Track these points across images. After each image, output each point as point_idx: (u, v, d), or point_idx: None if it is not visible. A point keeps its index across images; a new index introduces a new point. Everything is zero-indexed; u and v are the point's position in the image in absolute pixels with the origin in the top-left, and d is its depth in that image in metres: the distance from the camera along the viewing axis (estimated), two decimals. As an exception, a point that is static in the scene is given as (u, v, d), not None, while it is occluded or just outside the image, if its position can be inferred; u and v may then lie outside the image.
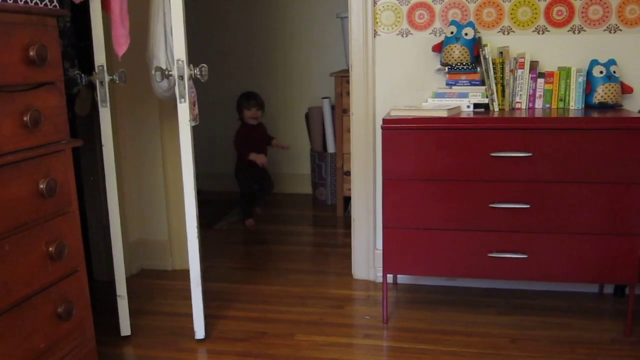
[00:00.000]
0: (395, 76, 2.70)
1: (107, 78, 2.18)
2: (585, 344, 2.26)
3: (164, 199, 3.03)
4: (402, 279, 2.86)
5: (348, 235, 2.99)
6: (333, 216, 3.97)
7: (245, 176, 3.91)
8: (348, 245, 3.00)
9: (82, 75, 2.20)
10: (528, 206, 2.22)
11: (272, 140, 4.02)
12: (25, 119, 1.62)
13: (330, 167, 4.14)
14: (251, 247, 3.48)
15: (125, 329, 2.38)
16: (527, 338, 2.31)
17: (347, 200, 3.66)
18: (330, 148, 4.15)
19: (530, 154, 2.18)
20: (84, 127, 2.71)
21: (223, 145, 4.66)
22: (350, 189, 2.94)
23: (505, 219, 2.25)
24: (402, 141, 2.27)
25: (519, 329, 2.38)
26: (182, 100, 2.13)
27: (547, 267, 2.27)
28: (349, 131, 2.94)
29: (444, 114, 2.28)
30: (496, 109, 2.47)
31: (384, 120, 2.28)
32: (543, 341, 2.29)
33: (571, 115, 2.33)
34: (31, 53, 1.62)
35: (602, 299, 2.67)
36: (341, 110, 3.77)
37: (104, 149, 2.23)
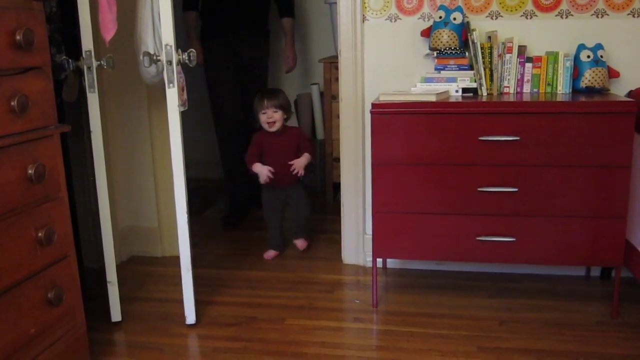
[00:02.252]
0: (384, 61, 2.71)
1: (94, 63, 2.17)
2: (572, 325, 2.29)
3: (153, 185, 3.02)
4: (391, 263, 2.88)
5: (337, 221, 3.00)
6: (323, 202, 3.97)
7: (267, 196, 3.08)
8: (337, 231, 3.01)
9: (70, 60, 2.18)
10: (516, 190, 2.24)
11: (300, 159, 2.97)
12: (12, 103, 1.61)
13: (319, 154, 4.14)
14: (241, 234, 3.48)
15: (115, 314, 2.38)
16: (515, 320, 2.34)
17: (337, 187, 3.67)
18: (320, 134, 4.15)
19: (518, 138, 2.20)
20: (71, 114, 2.69)
21: (212, 132, 4.66)
22: (339, 175, 2.95)
23: (494, 203, 2.27)
24: (391, 126, 2.28)
25: (507, 311, 2.41)
26: (171, 85, 2.13)
27: (535, 250, 2.30)
28: (338, 117, 2.95)
29: (433, 99, 2.29)
30: (484, 94, 2.48)
31: (373, 105, 2.29)
32: (531, 323, 2.31)
33: (559, 99, 2.34)
34: (18, 37, 1.61)
35: (589, 282, 2.71)
36: (330, 97, 3.77)
37: (92, 135, 2.22)
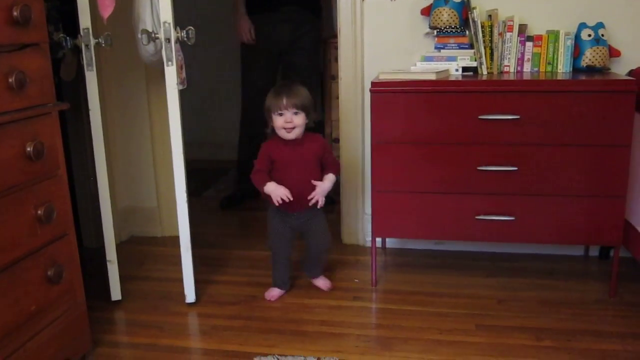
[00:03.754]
0: (383, 40, 2.69)
1: (92, 41, 2.16)
2: (571, 304, 2.30)
3: (152, 165, 3.02)
4: (390, 243, 2.89)
5: (337, 201, 3.00)
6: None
7: (277, 222, 2.38)
8: (337, 211, 3.01)
9: (67, 38, 2.17)
10: (515, 169, 2.24)
11: (323, 183, 2.30)
12: (10, 80, 1.60)
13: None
14: (240, 214, 3.48)
15: (115, 293, 2.39)
16: (514, 299, 2.35)
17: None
18: (319, 115, 4.13)
19: (518, 117, 2.19)
20: (70, 93, 2.68)
21: (211, 114, 4.65)
22: (339, 156, 2.94)
23: (493, 182, 2.27)
24: (391, 105, 2.27)
25: (505, 290, 2.42)
26: (169, 63, 2.11)
27: (534, 229, 2.30)
28: (337, 98, 2.93)
29: (433, 77, 2.27)
30: (484, 73, 2.47)
31: (373, 84, 2.28)
32: (529, 302, 2.32)
33: (559, 78, 2.33)
34: (15, 13, 1.60)
35: (588, 262, 2.72)
36: (329, 77, 3.75)
37: (90, 113, 2.21)
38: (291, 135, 2.23)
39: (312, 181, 2.27)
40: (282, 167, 2.26)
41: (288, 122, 2.20)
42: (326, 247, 2.46)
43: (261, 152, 2.29)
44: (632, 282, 2.44)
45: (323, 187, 2.28)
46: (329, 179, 2.30)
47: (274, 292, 2.41)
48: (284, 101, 2.20)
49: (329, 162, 2.33)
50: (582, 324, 2.15)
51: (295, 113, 2.20)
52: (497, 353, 1.98)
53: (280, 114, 2.21)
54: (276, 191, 2.21)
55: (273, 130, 2.28)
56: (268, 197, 2.26)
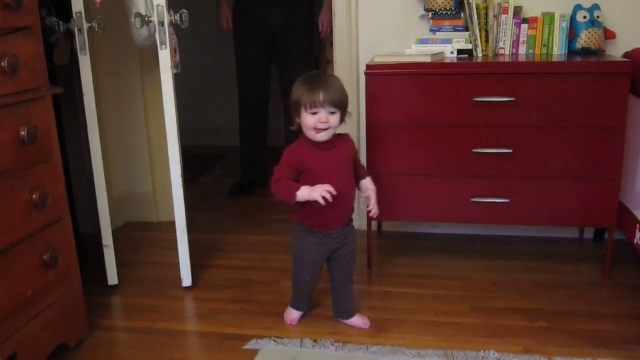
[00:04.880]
0: (378, 23, 2.68)
1: (85, 25, 2.15)
2: (565, 286, 2.32)
3: (147, 150, 3.02)
4: (386, 226, 2.90)
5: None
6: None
7: (311, 245, 1.99)
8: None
9: (60, 22, 2.16)
10: (510, 151, 2.24)
11: (364, 184, 2.05)
12: (2, 64, 1.60)
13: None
14: (235, 199, 3.48)
15: (112, 278, 2.39)
16: (508, 281, 2.36)
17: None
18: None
19: (512, 99, 2.19)
20: (63, 78, 2.66)
21: (206, 99, 4.63)
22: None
23: (488, 164, 2.27)
24: (386, 88, 2.27)
25: (500, 272, 2.43)
26: (163, 46, 2.11)
27: (529, 211, 2.31)
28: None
29: (428, 60, 2.27)
30: (479, 55, 2.47)
31: (367, 67, 2.27)
32: (523, 284, 2.34)
33: (554, 60, 2.33)
34: (6, -4, 1.59)
35: (582, 244, 2.73)
36: (325, 61, 3.74)
37: (84, 97, 2.21)
38: (322, 137, 1.87)
39: (363, 188, 2.03)
40: (317, 176, 1.87)
41: (323, 122, 1.84)
42: (353, 271, 2.09)
43: (286, 159, 1.90)
44: (626, 264, 2.45)
45: (374, 194, 2.01)
46: (370, 182, 2.05)
47: (294, 315, 2.11)
48: (321, 97, 1.82)
49: (359, 163, 2.05)
50: (576, 306, 2.17)
51: (332, 112, 1.85)
52: (491, 334, 1.99)
53: (314, 113, 1.84)
54: (314, 191, 1.82)
55: (299, 129, 1.93)
56: (299, 212, 1.95)
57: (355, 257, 2.07)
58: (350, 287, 2.08)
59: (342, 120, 1.91)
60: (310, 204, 1.85)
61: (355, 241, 2.05)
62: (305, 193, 1.84)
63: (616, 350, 1.88)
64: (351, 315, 2.08)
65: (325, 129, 1.86)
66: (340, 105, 1.87)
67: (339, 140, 1.96)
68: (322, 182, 1.84)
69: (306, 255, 1.99)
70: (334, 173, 1.90)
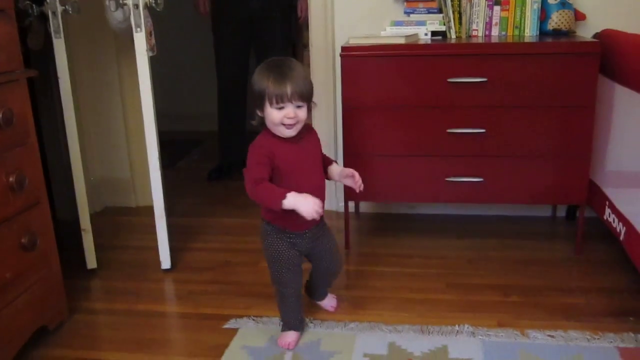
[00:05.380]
0: (354, 6, 2.70)
1: (59, 8, 2.14)
2: (538, 262, 2.37)
3: (125, 135, 3.02)
4: (364, 208, 2.93)
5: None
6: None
7: (284, 247, 1.84)
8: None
9: (33, 5, 2.14)
10: (483, 131, 2.28)
11: (336, 169, 1.92)
12: (-24, 46, 1.59)
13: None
14: (213, 184, 3.49)
15: (91, 262, 2.40)
16: (483, 259, 2.41)
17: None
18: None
19: (485, 80, 2.23)
20: (38, 63, 2.64)
21: (183, 85, 4.62)
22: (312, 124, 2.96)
23: (462, 144, 2.31)
24: (361, 69, 2.29)
25: (475, 250, 2.48)
26: (138, 29, 2.11)
27: (502, 190, 2.36)
28: (309, 66, 2.94)
29: (402, 41, 2.30)
30: (453, 37, 2.50)
31: (343, 49, 2.29)
32: (498, 261, 2.39)
33: (526, 41, 2.37)
34: (-22, -22, 1.58)
35: (555, 223, 2.79)
36: (302, 46, 3.75)
37: (60, 81, 2.20)
38: (291, 133, 1.73)
39: (337, 172, 1.90)
40: (288, 173, 1.73)
41: (290, 117, 1.69)
42: (340, 269, 2.02)
43: (258, 156, 1.72)
44: (597, 241, 2.51)
45: (348, 172, 1.88)
46: (338, 166, 1.93)
47: (289, 338, 1.87)
48: (288, 90, 1.66)
49: (325, 156, 1.92)
50: (549, 281, 2.22)
51: (300, 106, 1.70)
52: (466, 309, 2.04)
53: (281, 108, 1.68)
54: (307, 204, 1.65)
55: (261, 123, 1.77)
56: (269, 213, 1.82)
57: (338, 252, 1.97)
58: (333, 280, 2.03)
59: (308, 112, 1.76)
60: (273, 201, 1.68)
61: (333, 238, 1.95)
62: (292, 202, 1.65)
63: (586, 323, 1.94)
64: (323, 298, 2.07)
65: (294, 124, 1.71)
66: (308, 97, 1.73)
67: (306, 132, 1.81)
68: (295, 180, 1.72)
69: (282, 257, 1.83)
70: (306, 169, 1.78)
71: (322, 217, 1.78)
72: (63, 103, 2.23)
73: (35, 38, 2.37)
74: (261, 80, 1.70)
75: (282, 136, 1.74)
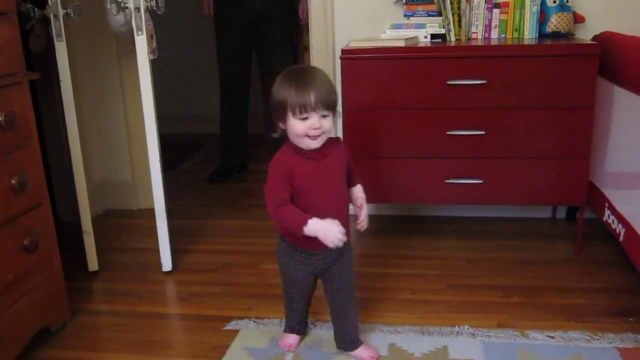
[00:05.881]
0: (354, 9, 2.71)
1: (61, 12, 2.15)
2: (538, 263, 2.38)
3: (126, 137, 3.03)
4: (364, 210, 2.93)
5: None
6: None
7: (297, 265, 1.74)
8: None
9: (35, 9, 2.16)
10: (483, 132, 2.29)
11: (355, 193, 1.79)
12: (-21, 49, 1.60)
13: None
14: (215, 186, 3.50)
15: (92, 264, 2.41)
16: (484, 259, 2.42)
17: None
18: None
19: (485, 82, 2.23)
20: (40, 66, 2.66)
21: (185, 87, 4.63)
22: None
23: (462, 146, 2.32)
24: (361, 72, 2.30)
25: (475, 251, 2.49)
26: (139, 32, 2.12)
27: (502, 191, 2.36)
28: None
29: (402, 44, 2.31)
30: (453, 39, 2.51)
31: (343, 51, 2.31)
32: (498, 262, 2.40)
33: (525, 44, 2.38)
34: (-19, -19, 1.60)
35: (555, 224, 2.80)
36: (302, 48, 3.76)
37: (61, 84, 2.22)
38: (316, 144, 1.61)
39: (353, 197, 1.77)
40: (306, 190, 1.62)
41: (316, 128, 1.58)
42: (353, 293, 1.80)
43: (278, 175, 1.61)
44: (597, 241, 2.52)
45: (365, 206, 1.77)
46: (361, 190, 1.79)
47: (291, 340, 1.86)
48: (312, 99, 1.55)
49: (354, 168, 1.76)
50: (549, 281, 2.23)
51: (325, 116, 1.58)
52: (467, 310, 2.05)
53: (305, 118, 1.57)
54: (330, 231, 1.56)
55: (283, 136, 1.66)
56: (284, 229, 1.71)
57: (351, 273, 1.78)
58: (352, 312, 1.79)
59: (333, 122, 1.63)
60: (295, 224, 1.59)
61: (351, 258, 1.78)
62: (313, 229, 1.56)
63: (586, 323, 1.94)
64: (355, 347, 1.80)
65: (319, 135, 1.60)
66: (333, 106, 1.60)
67: (332, 146, 1.67)
68: (313, 200, 1.61)
69: (291, 274, 1.75)
70: (326, 188, 1.65)
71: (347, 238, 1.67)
72: (65, 105, 2.24)
73: (37, 41, 2.39)
74: (282, 89, 1.58)
75: (307, 148, 1.62)
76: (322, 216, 1.59)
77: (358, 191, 1.78)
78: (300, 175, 1.61)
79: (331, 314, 1.82)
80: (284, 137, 1.66)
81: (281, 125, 1.64)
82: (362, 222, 1.77)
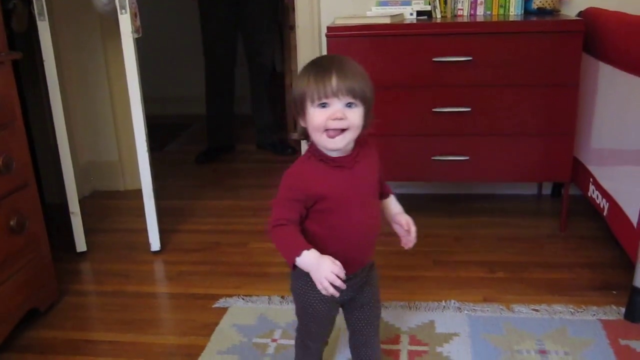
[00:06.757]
0: (339, -13, 2.70)
1: (43, -10, 2.13)
2: (524, 239, 2.41)
3: (112, 118, 3.01)
4: (351, 189, 2.94)
5: (299, 153, 3.04)
6: (284, 137, 3.99)
7: (321, 297, 1.32)
8: (299, 160, 3.05)
9: (17, -12, 2.13)
10: (469, 110, 2.30)
11: (391, 208, 1.49)
12: (-41, 28, 1.59)
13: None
14: (202, 167, 3.50)
15: (80, 245, 2.41)
16: (470, 237, 2.44)
17: (297, 119, 3.67)
18: (279, 67, 4.13)
19: (470, 59, 2.24)
20: (23, 46, 2.63)
21: (170, 68, 4.59)
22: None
23: (448, 123, 2.33)
24: (347, 50, 2.29)
25: (462, 229, 2.51)
26: (123, 11, 2.10)
27: (488, 168, 2.38)
28: (295, 48, 2.94)
29: (387, 21, 2.30)
30: (438, 16, 2.51)
31: (329, 29, 2.30)
32: (484, 239, 2.42)
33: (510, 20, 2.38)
34: (-40, -41, 1.57)
35: (541, 200, 2.83)
36: (288, 27, 3.74)
37: (45, 64, 2.19)
38: (338, 143, 1.26)
39: (391, 212, 1.47)
40: (333, 208, 1.29)
41: (337, 118, 1.23)
42: (379, 319, 1.51)
43: (287, 188, 1.30)
44: (582, 217, 2.55)
45: (413, 226, 1.44)
46: (398, 206, 1.49)
47: None
48: (334, 82, 1.22)
49: (382, 176, 1.43)
50: (534, 257, 2.26)
51: (350, 104, 1.25)
52: (453, 285, 2.07)
53: (324, 105, 1.24)
54: (321, 270, 1.21)
55: (304, 135, 1.33)
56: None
57: (379, 301, 1.48)
58: (376, 340, 1.51)
59: (366, 121, 1.29)
60: (320, 243, 1.27)
61: (377, 282, 1.48)
62: (306, 263, 1.23)
63: (571, 296, 1.97)
64: None
65: (342, 131, 1.25)
66: (363, 96, 1.25)
67: (364, 151, 1.34)
68: (339, 219, 1.29)
69: (312, 306, 1.39)
70: (358, 205, 1.32)
71: (369, 257, 1.42)
72: (49, 86, 2.23)
73: (19, 20, 2.36)
74: (302, 78, 1.27)
75: (327, 149, 1.28)
76: (356, 232, 1.32)
77: (394, 206, 1.48)
78: (324, 189, 1.28)
79: (351, 341, 1.52)
80: (306, 137, 1.33)
81: (301, 122, 1.31)
82: (411, 239, 1.45)
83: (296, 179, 1.30)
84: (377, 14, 2.44)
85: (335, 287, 1.20)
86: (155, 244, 2.38)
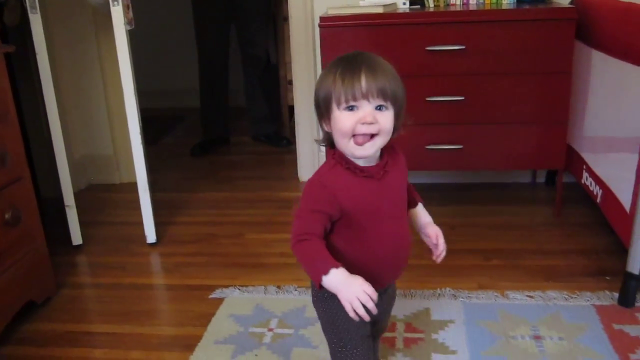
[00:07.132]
0: (332, -23, 2.69)
1: (34, -17, 2.12)
2: (518, 227, 2.42)
3: (106, 111, 3.01)
4: (347, 179, 2.95)
5: (293, 142, 3.04)
6: (279, 126, 3.99)
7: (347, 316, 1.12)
8: (294, 152, 3.06)
9: (8, -19, 2.13)
10: (462, 98, 2.30)
11: (419, 217, 1.41)
12: (-49, 21, 1.58)
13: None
14: (197, 159, 3.50)
15: (76, 238, 2.41)
16: (465, 225, 2.45)
17: (292, 110, 3.67)
18: (273, 58, 4.12)
19: (463, 47, 2.24)
20: (16, 40, 2.62)
21: (164, 61, 4.58)
22: (292, 98, 2.96)
23: (441, 112, 2.34)
24: (340, 40, 2.30)
25: (457, 217, 2.52)
26: (115, 3, 2.10)
27: (482, 157, 2.39)
28: (289, 40, 2.94)
29: (380, 11, 2.30)
30: (431, 6, 2.51)
31: (322, 19, 2.30)
32: (479, 227, 2.43)
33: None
34: (-50, -49, 1.57)
35: (535, 188, 2.84)
36: (282, 18, 3.74)
37: (37, 57, 2.19)
38: (367, 151, 1.17)
39: (421, 223, 1.39)
40: (364, 220, 1.20)
41: (367, 122, 1.13)
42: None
43: (312, 198, 1.19)
44: (576, 204, 2.56)
45: (442, 238, 1.37)
46: (427, 215, 1.42)
47: None
48: (363, 83, 1.13)
49: (411, 186, 1.38)
50: (529, 244, 2.27)
51: (380, 107, 1.15)
52: (448, 273, 2.08)
53: (351, 108, 1.14)
54: (352, 291, 1.10)
55: (329, 141, 1.24)
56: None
57: (390, 313, 1.46)
58: (377, 346, 1.47)
59: (397, 125, 1.20)
60: (346, 260, 1.17)
61: (394, 292, 1.43)
62: (333, 284, 1.12)
63: (565, 283, 1.99)
64: None
65: (372, 136, 1.15)
66: (394, 97, 1.16)
67: (392, 159, 1.25)
68: (369, 233, 1.20)
69: (352, 329, 1.25)
70: (388, 217, 1.23)
71: (400, 273, 1.36)
72: (42, 79, 2.22)
73: (11, 14, 2.35)
74: (327, 78, 1.17)
75: (355, 157, 1.18)
76: (381, 257, 1.23)
77: (423, 215, 1.40)
78: (352, 201, 1.18)
79: None
80: (330, 144, 1.23)
81: (325, 127, 1.21)
82: (441, 253, 1.37)
83: (322, 189, 1.18)
84: (370, 4, 2.44)
85: (366, 309, 1.10)
86: (151, 236, 2.38)
